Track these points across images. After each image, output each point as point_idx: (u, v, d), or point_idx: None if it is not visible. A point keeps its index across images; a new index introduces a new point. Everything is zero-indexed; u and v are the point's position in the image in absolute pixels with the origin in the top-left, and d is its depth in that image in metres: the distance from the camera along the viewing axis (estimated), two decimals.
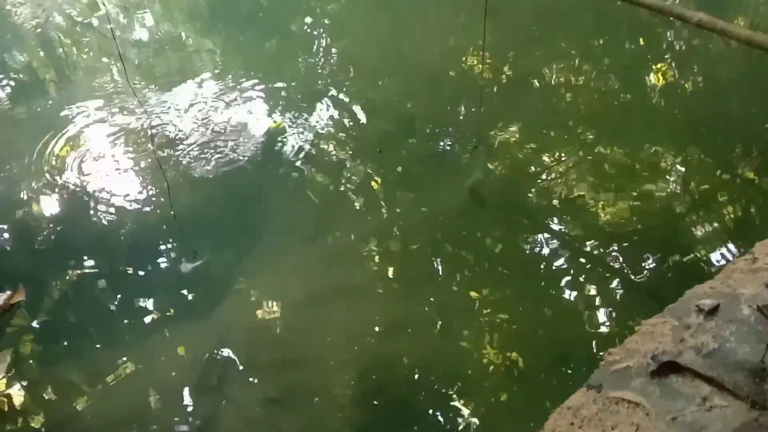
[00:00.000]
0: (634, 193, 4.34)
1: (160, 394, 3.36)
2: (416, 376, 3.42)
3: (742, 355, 1.64)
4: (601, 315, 3.67)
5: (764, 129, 4.77)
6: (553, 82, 5.34)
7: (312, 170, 4.68)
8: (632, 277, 3.86)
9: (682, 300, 1.90)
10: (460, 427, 3.22)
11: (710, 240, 3.99)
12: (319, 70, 5.68)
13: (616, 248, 4.01)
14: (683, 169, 4.52)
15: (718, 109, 4.98)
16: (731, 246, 3.91)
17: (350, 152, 4.82)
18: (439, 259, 4.05)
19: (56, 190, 4.56)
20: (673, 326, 1.78)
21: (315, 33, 6.28)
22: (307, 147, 4.85)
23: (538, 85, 5.33)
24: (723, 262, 3.81)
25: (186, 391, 3.35)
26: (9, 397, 3.39)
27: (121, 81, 5.44)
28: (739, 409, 1.51)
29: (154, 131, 4.96)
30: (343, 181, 4.58)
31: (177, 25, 6.51)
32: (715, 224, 4.08)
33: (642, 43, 5.76)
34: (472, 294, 3.81)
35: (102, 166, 4.74)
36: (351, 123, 5.09)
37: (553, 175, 4.56)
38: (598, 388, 1.70)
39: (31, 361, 3.57)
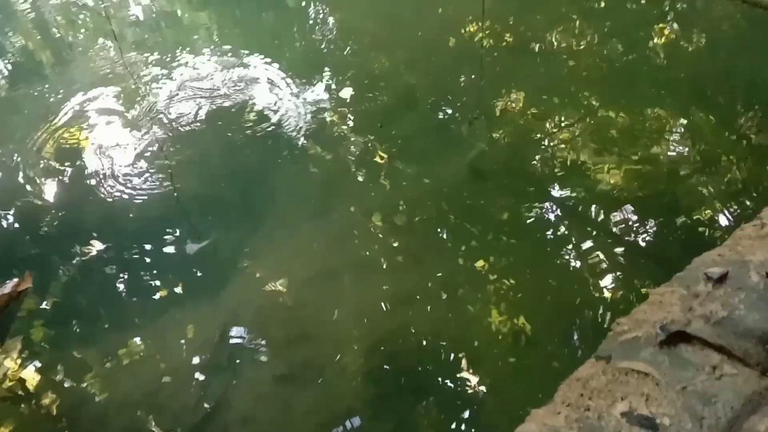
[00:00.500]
0: (639, 157, 4.31)
1: (172, 374, 3.39)
2: (425, 347, 3.44)
3: (752, 323, 1.63)
4: (608, 281, 3.68)
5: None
6: (554, 47, 5.27)
7: (314, 145, 4.65)
8: (638, 242, 3.85)
9: (690, 268, 1.89)
10: (470, 396, 3.25)
11: (716, 202, 3.97)
12: (318, 43, 5.61)
13: (621, 213, 3.99)
14: (687, 131, 4.48)
15: (721, 69, 4.92)
16: (737, 208, 3.89)
17: (352, 126, 4.78)
18: (444, 230, 4.05)
19: (57, 174, 4.55)
20: (681, 295, 1.78)
21: (312, 4, 6.19)
22: (308, 122, 4.82)
23: (539, 50, 5.26)
24: (728, 224, 3.80)
25: (197, 371, 3.38)
26: (22, 381, 3.43)
27: (119, 60, 5.39)
28: (750, 377, 1.51)
29: (153, 110, 4.93)
30: (346, 155, 4.56)
31: (172, 2, 6.42)
32: (721, 186, 4.06)
33: (643, 2, 5.66)
34: (478, 263, 3.82)
35: (102, 147, 4.72)
36: (352, 96, 5.05)
37: (556, 142, 4.53)
38: (607, 359, 1.70)
39: (43, 344, 3.60)
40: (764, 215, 1.97)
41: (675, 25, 5.41)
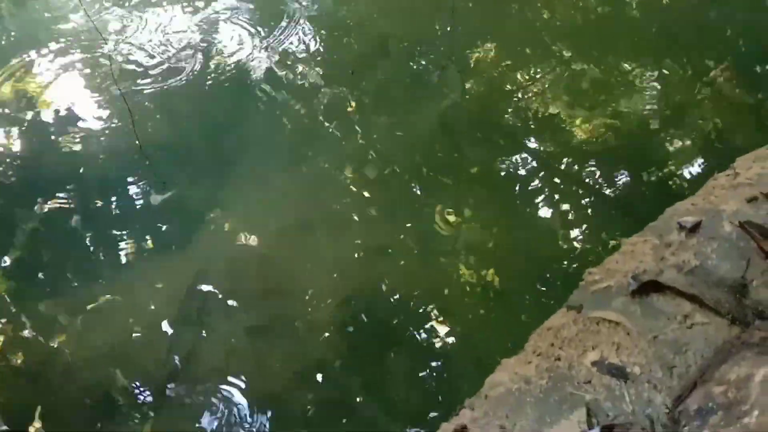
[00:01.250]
0: (611, 110, 4.31)
1: (141, 328, 3.34)
2: (397, 299, 3.45)
3: (724, 272, 1.64)
4: (578, 233, 3.71)
5: (740, 41, 4.71)
6: None
7: (285, 95, 4.54)
8: (609, 194, 3.88)
9: (663, 218, 1.89)
10: (440, 346, 3.28)
11: (686, 154, 4.00)
12: None
13: (592, 166, 4.01)
14: (659, 83, 4.47)
15: (693, 21, 4.90)
16: (708, 160, 3.92)
17: (323, 75, 4.67)
18: (416, 183, 4.02)
19: (15, 123, 4.37)
20: (653, 245, 1.78)
21: None
22: (279, 71, 4.69)
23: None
24: (698, 175, 3.84)
25: (166, 324, 3.34)
26: None
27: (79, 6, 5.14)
28: (721, 326, 1.53)
29: (116, 58, 4.74)
30: (318, 105, 4.46)
31: None
32: (692, 138, 4.08)
33: None
34: (450, 217, 3.81)
35: (62, 96, 4.54)
36: (323, 44, 4.92)
37: (529, 94, 4.49)
38: (578, 309, 1.71)
39: (7, 299, 3.51)
40: (737, 165, 1.98)
41: None
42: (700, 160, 3.94)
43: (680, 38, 4.78)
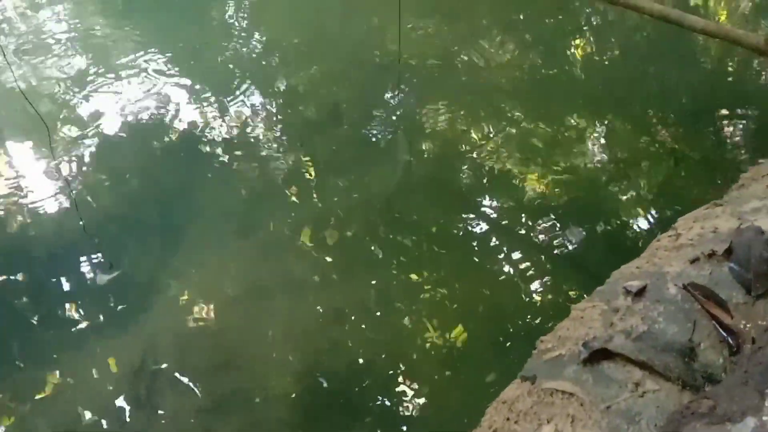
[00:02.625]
0: (561, 166, 4.41)
1: (90, 410, 3.19)
2: (360, 364, 3.39)
3: (671, 336, 1.65)
4: (538, 286, 3.73)
5: (679, 97, 4.92)
6: (476, 59, 5.33)
7: (239, 161, 4.52)
8: (564, 249, 3.93)
9: (610, 282, 1.90)
10: (404, 415, 3.21)
11: (635, 208, 4.10)
12: (242, 56, 5.48)
13: (547, 221, 4.07)
14: (606, 139, 4.62)
15: (635, 78, 5.09)
16: (655, 213, 4.03)
17: (276, 141, 4.69)
18: (375, 244, 4.01)
19: None
20: (602, 310, 1.78)
21: (237, 18, 6.05)
22: (231, 137, 4.69)
23: (462, 61, 5.31)
24: (647, 229, 3.93)
25: (116, 405, 3.20)
26: None
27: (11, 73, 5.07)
28: (671, 392, 1.52)
29: (61, 131, 4.67)
30: (272, 171, 4.45)
31: (87, 17, 6.12)
32: (640, 192, 4.19)
33: (560, 17, 5.82)
34: (411, 276, 3.80)
35: (5, 171, 4.44)
36: (276, 111, 4.95)
37: (482, 153, 4.57)
38: (532, 380, 1.68)
39: None
40: (679, 225, 2.01)
41: (590, 37, 5.58)
42: (649, 214, 4.04)
43: (623, 95, 4.96)
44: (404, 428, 3.19)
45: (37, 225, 4.10)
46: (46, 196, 4.26)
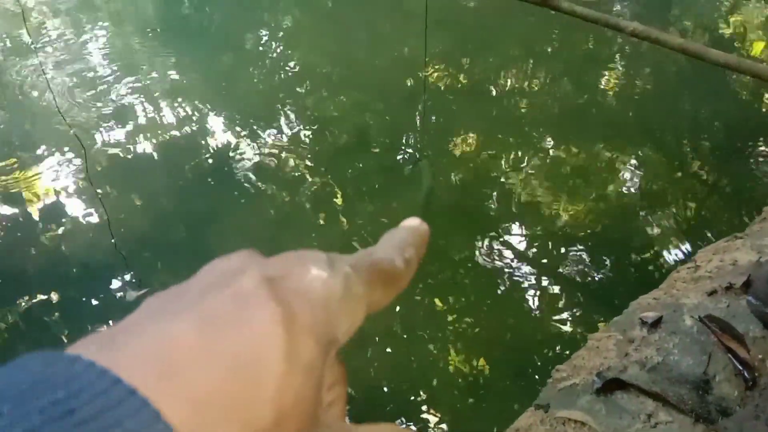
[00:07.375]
0: (592, 195, 4.40)
1: None
2: (382, 390, 3.39)
3: (686, 368, 1.64)
4: (564, 317, 3.70)
5: (711, 127, 4.88)
6: (507, 88, 5.37)
7: (269, 186, 4.62)
8: (593, 278, 3.90)
9: (627, 312, 1.90)
10: None
11: (666, 239, 4.06)
12: (275, 84, 5.63)
13: (575, 250, 4.05)
14: (637, 169, 4.59)
15: (667, 110, 5.07)
16: (687, 245, 3.98)
17: (305, 167, 4.78)
18: None
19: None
20: (617, 340, 1.78)
21: (271, 47, 6.24)
22: (262, 162, 4.80)
23: (492, 90, 5.36)
24: (676, 260, 3.88)
25: None
26: None
27: (52, 97, 5.28)
28: (684, 424, 1.51)
29: (95, 153, 4.84)
30: (301, 196, 4.54)
31: (125, 39, 6.39)
32: (671, 223, 4.15)
33: (591, 46, 5.84)
34: (436, 302, 3.81)
35: (39, 192, 4.61)
36: (305, 137, 5.06)
37: (511, 181, 4.58)
38: (545, 408, 1.69)
39: None
40: (698, 257, 2.00)
41: (621, 67, 5.59)
42: (680, 245, 3.99)
43: (655, 126, 4.94)
44: None
45: (70, 242, 4.25)
46: (79, 214, 4.42)
